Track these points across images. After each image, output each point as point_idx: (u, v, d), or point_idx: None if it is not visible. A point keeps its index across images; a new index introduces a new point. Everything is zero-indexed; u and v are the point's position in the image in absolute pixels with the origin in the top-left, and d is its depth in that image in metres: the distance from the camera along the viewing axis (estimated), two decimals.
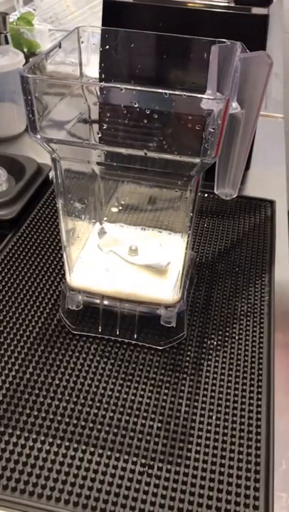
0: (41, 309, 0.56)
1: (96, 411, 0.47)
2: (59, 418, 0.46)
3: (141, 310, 0.53)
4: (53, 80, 0.46)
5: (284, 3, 1.62)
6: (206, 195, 0.75)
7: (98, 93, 0.47)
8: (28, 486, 0.41)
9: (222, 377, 0.51)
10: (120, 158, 0.46)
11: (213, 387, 0.50)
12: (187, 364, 0.52)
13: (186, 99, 0.42)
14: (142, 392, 0.49)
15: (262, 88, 0.52)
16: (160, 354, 0.52)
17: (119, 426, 0.46)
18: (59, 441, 0.44)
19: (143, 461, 0.44)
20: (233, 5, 0.71)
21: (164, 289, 0.53)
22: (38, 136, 0.45)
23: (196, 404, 0.48)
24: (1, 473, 0.42)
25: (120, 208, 0.60)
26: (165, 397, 0.48)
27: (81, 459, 0.43)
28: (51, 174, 0.73)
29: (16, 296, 0.58)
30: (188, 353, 0.53)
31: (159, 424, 0.46)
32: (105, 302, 0.54)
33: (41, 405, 0.47)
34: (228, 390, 0.49)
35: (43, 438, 0.45)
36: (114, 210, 0.60)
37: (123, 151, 0.45)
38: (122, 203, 0.60)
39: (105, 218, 0.60)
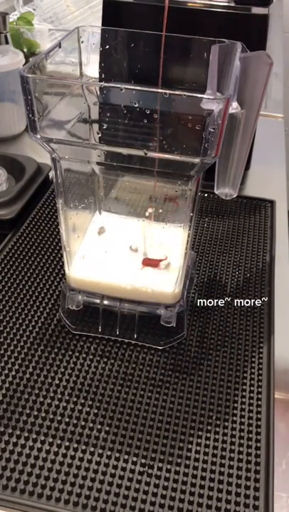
0: (41, 309, 0.56)
1: (96, 411, 0.47)
2: (59, 418, 0.46)
3: (141, 310, 0.53)
4: (53, 79, 0.46)
5: (284, 3, 1.62)
6: (206, 195, 0.75)
7: (98, 93, 0.47)
8: (28, 486, 0.41)
9: (222, 377, 0.51)
10: (120, 158, 0.46)
11: (213, 387, 0.50)
12: (187, 364, 0.52)
13: (186, 99, 0.42)
14: (142, 392, 0.49)
15: (262, 88, 0.52)
16: (160, 354, 0.52)
17: (119, 426, 0.46)
18: (59, 441, 0.44)
19: (143, 461, 0.44)
20: (233, 5, 0.71)
21: (164, 289, 0.53)
22: (38, 136, 0.45)
23: (196, 404, 0.48)
24: (1, 473, 0.42)
25: (120, 207, 0.60)
26: (165, 397, 0.48)
27: (81, 459, 0.43)
28: (51, 174, 0.73)
29: (16, 296, 0.58)
30: (188, 353, 0.53)
31: (159, 424, 0.46)
32: (105, 302, 0.54)
33: (41, 405, 0.47)
34: (228, 390, 0.49)
35: (43, 438, 0.45)
36: (114, 209, 0.60)
37: (123, 151, 0.45)
38: (122, 202, 0.60)
39: (105, 217, 0.60)
